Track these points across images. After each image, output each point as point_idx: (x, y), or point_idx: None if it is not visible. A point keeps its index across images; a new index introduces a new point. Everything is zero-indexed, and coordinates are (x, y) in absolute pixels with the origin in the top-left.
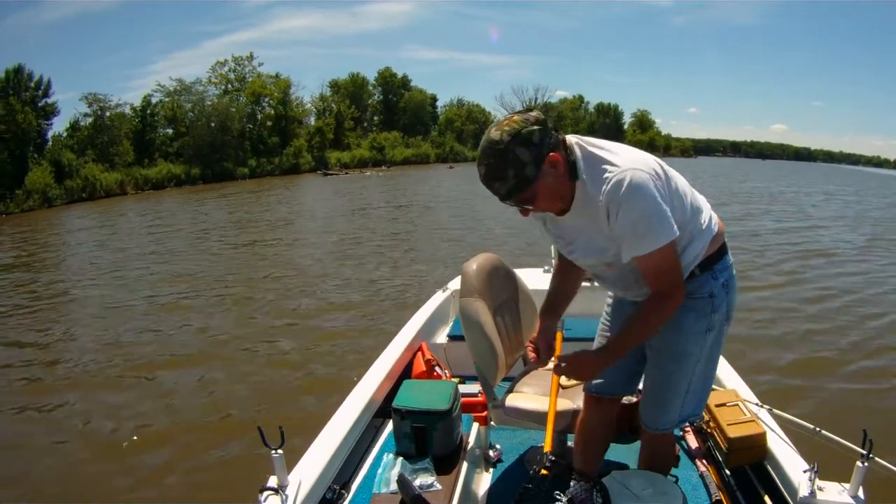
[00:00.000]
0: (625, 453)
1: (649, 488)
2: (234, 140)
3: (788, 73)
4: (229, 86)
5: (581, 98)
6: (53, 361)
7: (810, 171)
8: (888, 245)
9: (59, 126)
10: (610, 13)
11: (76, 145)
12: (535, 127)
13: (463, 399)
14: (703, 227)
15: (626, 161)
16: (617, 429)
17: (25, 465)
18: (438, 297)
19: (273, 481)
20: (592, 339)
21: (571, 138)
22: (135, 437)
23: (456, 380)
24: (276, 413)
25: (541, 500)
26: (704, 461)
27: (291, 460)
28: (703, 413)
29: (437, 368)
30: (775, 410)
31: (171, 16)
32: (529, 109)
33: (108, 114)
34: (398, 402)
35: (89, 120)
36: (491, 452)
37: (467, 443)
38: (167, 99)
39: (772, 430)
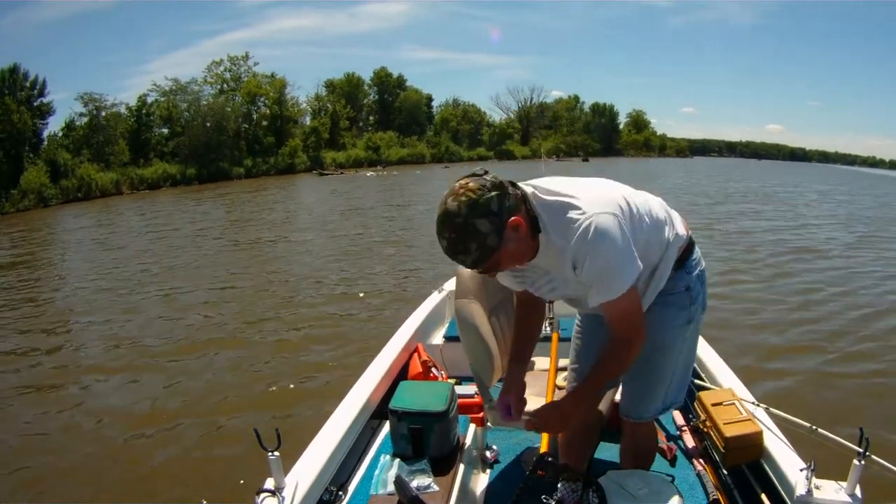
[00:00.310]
0: (618, 452)
1: (646, 488)
2: (230, 140)
3: (784, 74)
4: (225, 85)
5: (577, 98)
6: (51, 357)
7: (805, 171)
8: (877, 242)
9: (54, 126)
10: (607, 13)
11: (72, 145)
12: (493, 193)
13: (459, 400)
14: (672, 239)
15: (588, 203)
16: (608, 427)
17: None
18: (434, 299)
19: (270, 483)
20: None
21: (528, 189)
22: (131, 436)
23: (452, 381)
24: (273, 414)
25: (537, 501)
26: (701, 460)
27: (288, 462)
28: (700, 412)
29: (433, 370)
30: (772, 409)
31: (166, 15)
32: (484, 172)
33: (103, 113)
34: (395, 404)
35: (85, 119)
36: (488, 453)
37: (464, 444)
38: (163, 98)
39: (768, 428)
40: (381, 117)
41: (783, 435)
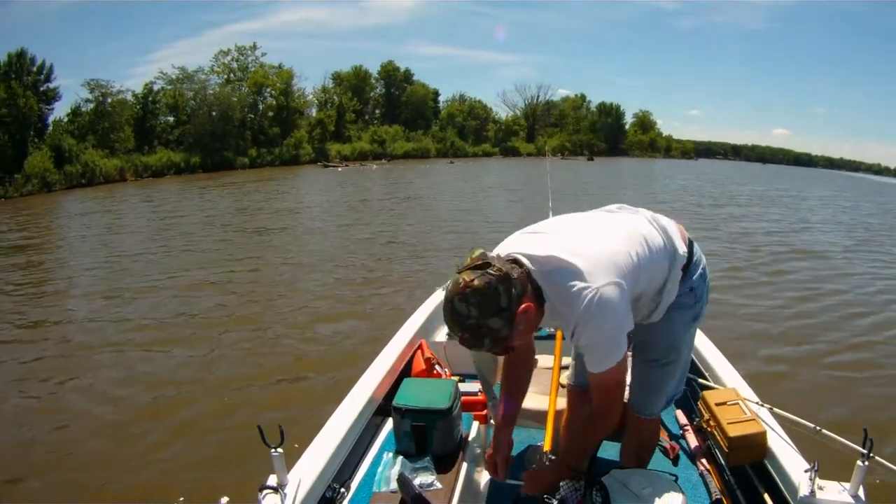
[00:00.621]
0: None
1: (649, 487)
2: (235, 129)
3: (791, 79)
4: (232, 75)
5: (583, 97)
6: (55, 341)
7: (809, 176)
8: (875, 247)
9: (60, 111)
10: (616, 15)
11: (77, 131)
12: (501, 288)
13: (463, 397)
14: (674, 260)
15: (590, 270)
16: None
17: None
18: (438, 296)
19: (273, 480)
20: None
21: (528, 262)
22: (131, 431)
23: (456, 378)
24: (276, 410)
25: (540, 500)
26: (705, 460)
27: (291, 459)
28: (704, 412)
29: (436, 367)
30: (776, 409)
31: (175, 4)
32: (486, 265)
33: (109, 100)
34: (398, 401)
35: (90, 106)
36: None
37: (467, 441)
38: (169, 87)
39: (772, 429)
40: (388, 111)
41: (787, 435)
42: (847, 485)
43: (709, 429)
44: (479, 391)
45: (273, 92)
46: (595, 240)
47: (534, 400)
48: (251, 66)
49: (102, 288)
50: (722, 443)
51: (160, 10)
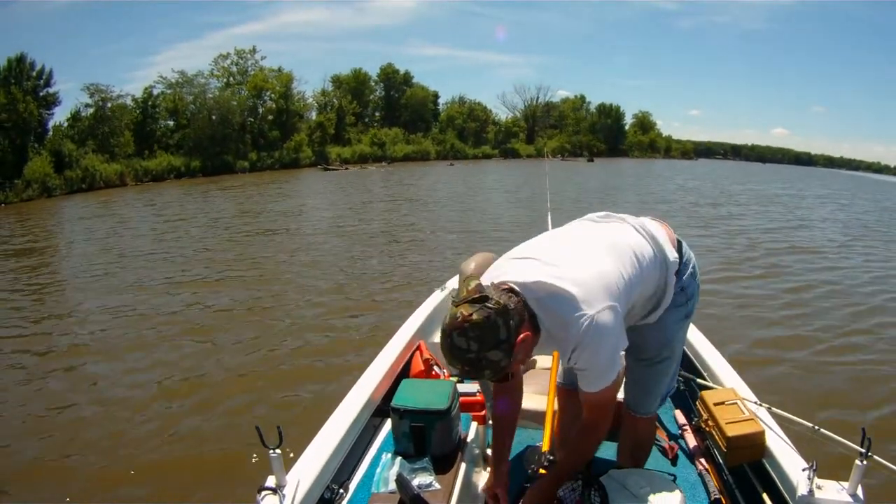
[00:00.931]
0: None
1: (647, 487)
2: (235, 133)
3: (790, 78)
4: (231, 79)
5: (583, 98)
6: (61, 344)
7: (809, 175)
8: (871, 243)
9: (60, 116)
10: (616, 15)
11: (77, 135)
12: (500, 320)
13: (462, 398)
14: (668, 268)
15: (584, 296)
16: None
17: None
18: (437, 297)
19: (271, 481)
20: None
21: (522, 291)
22: (132, 432)
23: (454, 379)
24: (275, 411)
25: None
26: (703, 460)
27: (289, 460)
28: (702, 412)
29: (435, 367)
30: (774, 409)
31: (174, 7)
32: (484, 298)
33: (109, 105)
34: (397, 402)
35: (90, 110)
36: (490, 451)
37: (466, 442)
38: (169, 91)
39: (770, 428)
40: (387, 113)
41: (785, 435)
42: (846, 484)
43: (707, 429)
44: (478, 392)
45: (273, 95)
46: (586, 262)
47: (532, 400)
48: (250, 69)
49: (110, 288)
50: (720, 442)
51: (159, 14)
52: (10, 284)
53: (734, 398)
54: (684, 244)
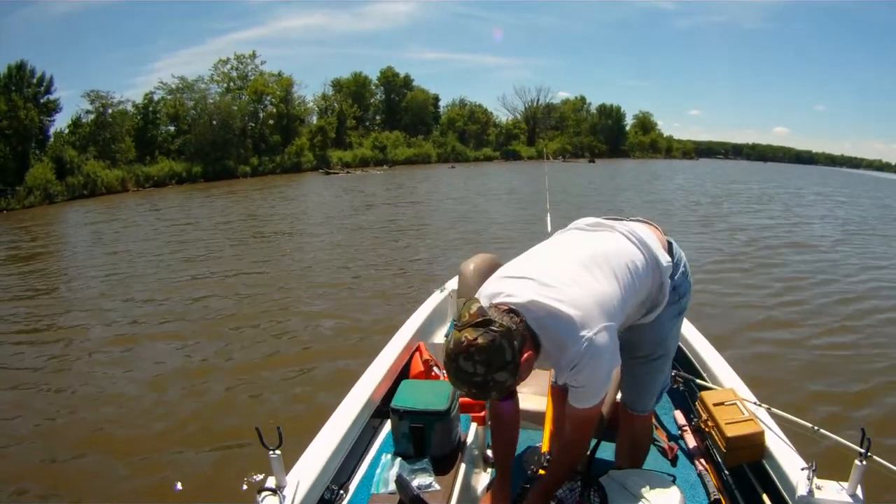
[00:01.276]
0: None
1: (647, 487)
2: (236, 138)
3: (790, 77)
4: (231, 84)
5: (583, 99)
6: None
7: (810, 173)
8: (867, 238)
9: (61, 123)
10: (614, 16)
11: (78, 142)
12: (505, 342)
13: (461, 399)
14: (662, 273)
15: (581, 317)
16: (609, 426)
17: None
18: (436, 298)
19: (271, 482)
20: None
21: (522, 311)
22: (132, 432)
23: None
24: (275, 411)
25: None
26: (703, 460)
27: (289, 461)
28: (702, 412)
29: (435, 369)
30: (774, 409)
31: (174, 14)
32: (487, 322)
33: (110, 111)
34: (396, 403)
35: (91, 117)
36: (489, 452)
37: (465, 443)
38: (169, 96)
39: (770, 428)
40: (388, 117)
41: (785, 435)
42: (845, 484)
43: (707, 429)
44: None
45: (273, 100)
46: (583, 282)
47: (532, 401)
48: (251, 74)
49: (119, 290)
50: (720, 443)
51: (159, 21)
52: (22, 287)
53: (734, 399)
54: (674, 244)
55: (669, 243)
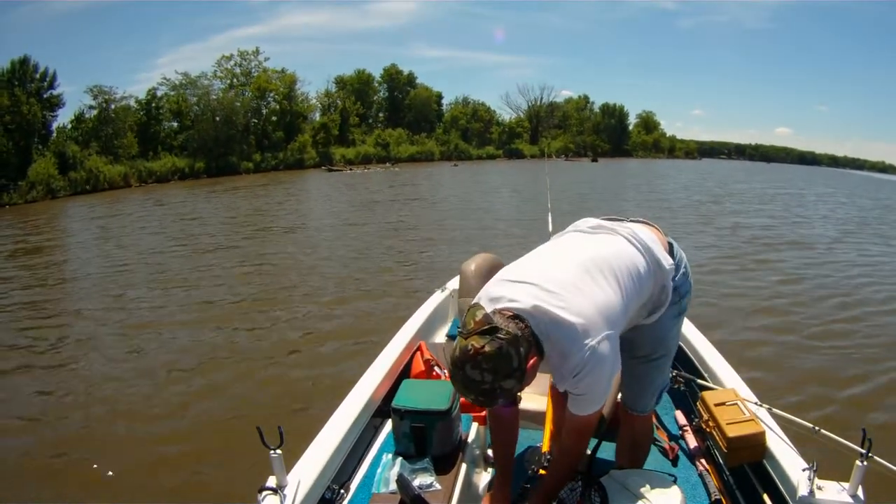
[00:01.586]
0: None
1: (648, 487)
2: (239, 134)
3: (793, 77)
4: (235, 80)
5: (586, 98)
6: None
7: (812, 174)
8: (866, 238)
9: (63, 118)
10: (617, 15)
11: (80, 137)
12: (511, 350)
13: (462, 399)
14: (665, 275)
15: (584, 326)
16: (609, 426)
17: None
18: (437, 297)
19: (272, 481)
20: None
21: (526, 317)
22: (131, 431)
23: None
24: (275, 411)
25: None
26: (704, 461)
27: (290, 460)
28: (703, 412)
29: (436, 368)
30: (774, 410)
31: (177, 10)
32: (494, 329)
33: (112, 106)
34: (397, 402)
35: (94, 112)
36: (490, 452)
37: (466, 442)
38: (172, 92)
39: (771, 429)
40: (391, 114)
41: (786, 435)
42: (846, 484)
43: (708, 429)
44: None
45: (276, 96)
46: (586, 289)
47: (533, 401)
48: (254, 70)
49: (122, 282)
50: (721, 443)
51: (162, 17)
52: (33, 279)
53: (735, 399)
54: (675, 245)
55: (670, 244)
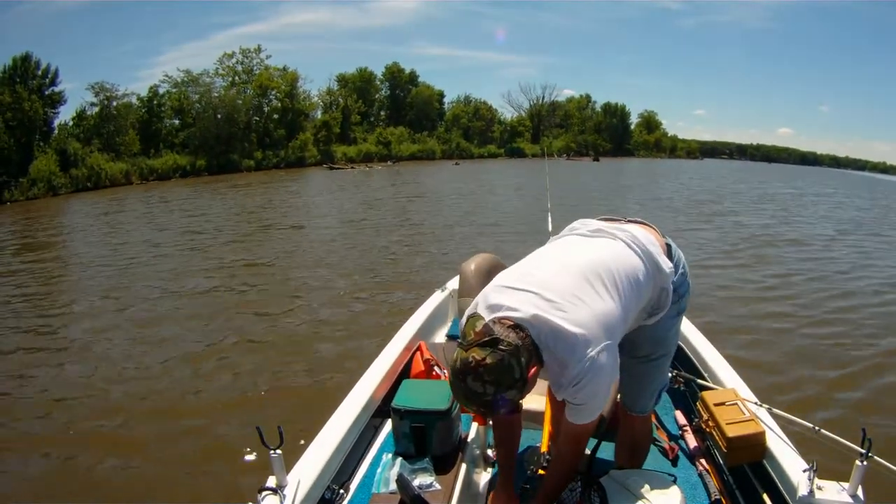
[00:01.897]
0: None
1: (648, 487)
2: (241, 132)
3: (795, 77)
4: (236, 78)
5: (588, 97)
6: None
7: (813, 175)
8: (861, 237)
9: (65, 115)
10: (619, 15)
11: (82, 134)
12: (513, 361)
13: None
14: (664, 279)
15: (584, 337)
16: (609, 427)
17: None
18: (437, 297)
19: (272, 481)
20: None
21: (527, 326)
22: (132, 431)
23: None
24: (274, 411)
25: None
26: (703, 461)
27: (290, 460)
28: (703, 412)
29: (436, 368)
30: (774, 409)
31: (180, 7)
32: (495, 341)
33: (114, 103)
34: (397, 402)
35: (96, 109)
36: (490, 452)
37: (466, 442)
38: (174, 90)
39: (771, 429)
40: (393, 112)
41: (785, 435)
42: (846, 484)
43: (708, 429)
44: None
45: (278, 94)
46: (586, 298)
47: (532, 401)
48: (256, 68)
49: (126, 279)
50: (721, 443)
51: (164, 14)
52: (39, 275)
53: (734, 399)
54: (673, 246)
55: (668, 245)
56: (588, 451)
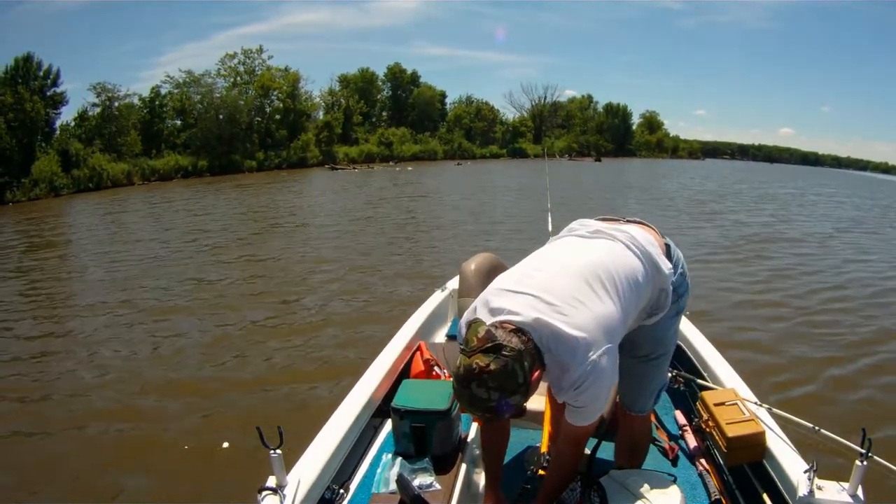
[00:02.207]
0: None
1: (647, 487)
2: (242, 133)
3: (796, 77)
4: (238, 78)
5: (590, 97)
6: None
7: (814, 175)
8: (859, 235)
9: (67, 115)
10: (620, 15)
11: (84, 135)
12: (517, 366)
13: None
14: (663, 280)
15: (585, 340)
16: (609, 427)
17: None
18: (437, 297)
19: (272, 481)
20: None
21: (529, 330)
22: (132, 432)
23: None
24: (274, 411)
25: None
26: (703, 460)
27: (290, 460)
28: (703, 412)
29: (436, 368)
30: (774, 409)
31: (181, 8)
32: (498, 347)
33: (116, 104)
34: (397, 402)
35: (97, 110)
36: None
37: (466, 442)
38: (176, 90)
39: (771, 429)
40: (394, 113)
41: (785, 435)
42: (846, 484)
43: (707, 429)
44: None
45: (280, 95)
46: (587, 301)
47: (532, 401)
48: (257, 69)
49: (126, 278)
50: (721, 443)
51: (165, 15)
52: (45, 272)
53: (734, 399)
54: (672, 246)
55: (667, 245)
56: (588, 451)
